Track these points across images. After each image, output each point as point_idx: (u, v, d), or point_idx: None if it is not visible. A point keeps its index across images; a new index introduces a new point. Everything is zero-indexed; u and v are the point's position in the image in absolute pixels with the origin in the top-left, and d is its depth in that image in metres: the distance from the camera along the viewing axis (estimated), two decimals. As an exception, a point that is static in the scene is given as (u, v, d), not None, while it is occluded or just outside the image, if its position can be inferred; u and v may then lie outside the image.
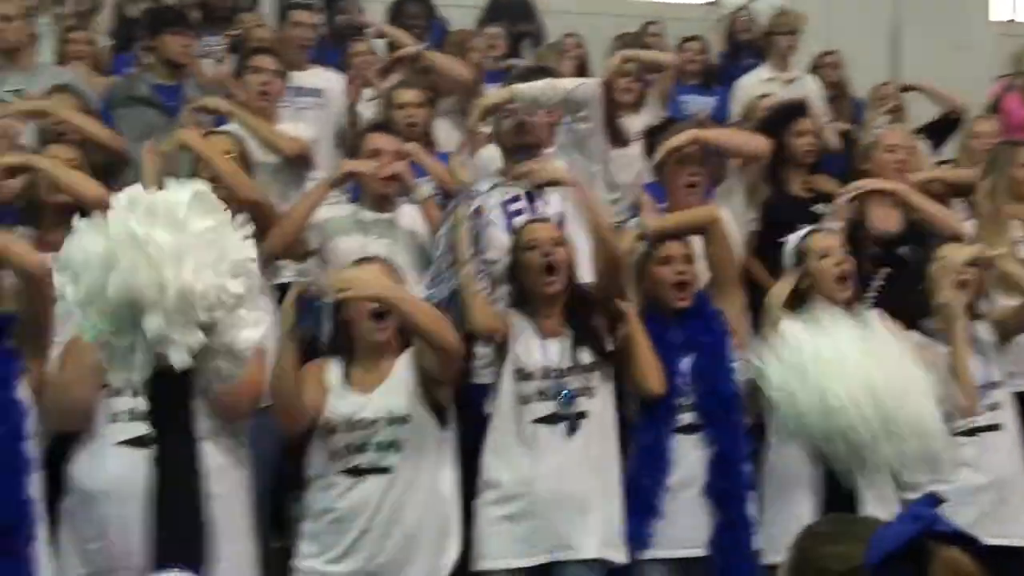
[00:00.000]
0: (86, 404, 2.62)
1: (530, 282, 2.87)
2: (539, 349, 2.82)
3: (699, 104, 5.07)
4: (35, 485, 2.59)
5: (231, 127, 3.64)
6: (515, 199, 3.23)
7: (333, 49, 4.89)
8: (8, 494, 2.55)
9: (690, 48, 5.41)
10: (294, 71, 4.16)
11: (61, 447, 2.68)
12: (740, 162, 3.74)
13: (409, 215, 3.34)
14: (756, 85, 4.91)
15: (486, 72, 4.70)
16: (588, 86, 3.46)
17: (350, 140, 3.98)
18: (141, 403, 2.52)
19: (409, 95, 3.89)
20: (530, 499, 2.74)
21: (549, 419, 2.78)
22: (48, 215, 3.13)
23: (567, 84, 3.45)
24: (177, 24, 4.11)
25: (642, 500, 2.84)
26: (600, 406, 2.83)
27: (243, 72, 3.92)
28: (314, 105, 4.27)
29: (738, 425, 2.93)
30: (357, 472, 2.62)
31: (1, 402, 2.59)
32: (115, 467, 2.56)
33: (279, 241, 3.14)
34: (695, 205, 3.34)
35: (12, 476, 2.56)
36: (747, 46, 5.70)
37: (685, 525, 2.85)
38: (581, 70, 5.16)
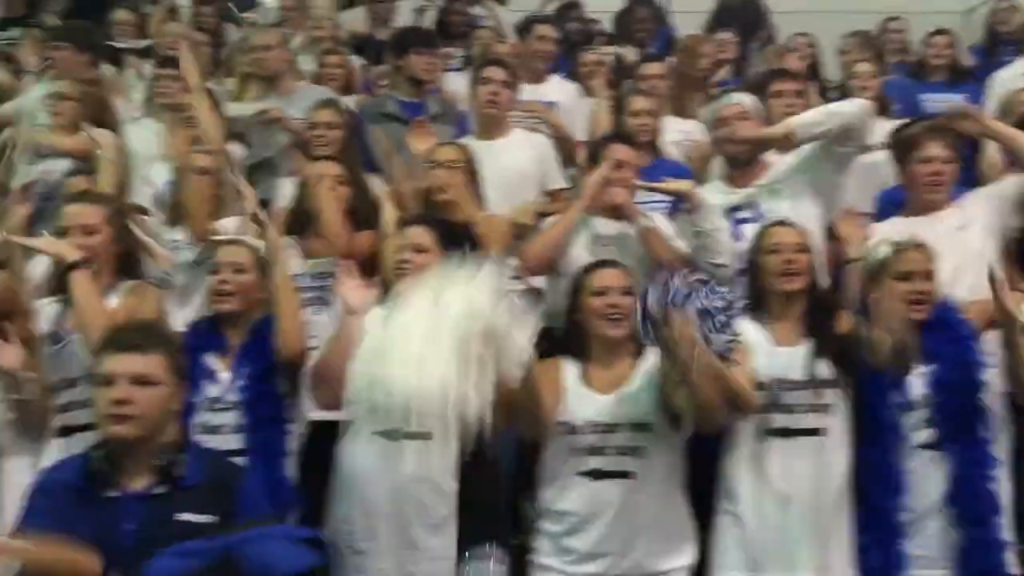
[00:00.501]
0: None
1: (768, 284, 2.82)
2: (772, 358, 2.75)
3: (944, 101, 4.78)
4: (291, 467, 2.84)
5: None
6: (740, 207, 3.19)
7: (563, 58, 5.01)
8: (272, 475, 2.78)
9: (936, 43, 5.12)
10: (535, 84, 4.30)
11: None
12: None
13: None
14: (1015, 79, 4.56)
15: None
16: (864, 110, 3.33)
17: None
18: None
19: (643, 103, 3.92)
20: (761, 515, 2.70)
21: (781, 432, 2.72)
22: (314, 222, 3.36)
23: (844, 111, 3.33)
24: (422, 44, 4.35)
25: (879, 523, 2.72)
26: (836, 423, 2.73)
27: (475, 84, 4.05)
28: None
29: (981, 440, 2.76)
30: (596, 475, 2.65)
31: (265, 393, 2.82)
32: (367, 454, 2.69)
33: (536, 260, 3.21)
34: (938, 203, 3.18)
35: (275, 459, 2.81)
36: (1007, 40, 5.33)
37: (929, 547, 2.72)
38: (813, 71, 5.01)
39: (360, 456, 2.69)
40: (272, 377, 2.83)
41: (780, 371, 2.74)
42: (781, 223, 2.97)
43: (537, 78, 4.47)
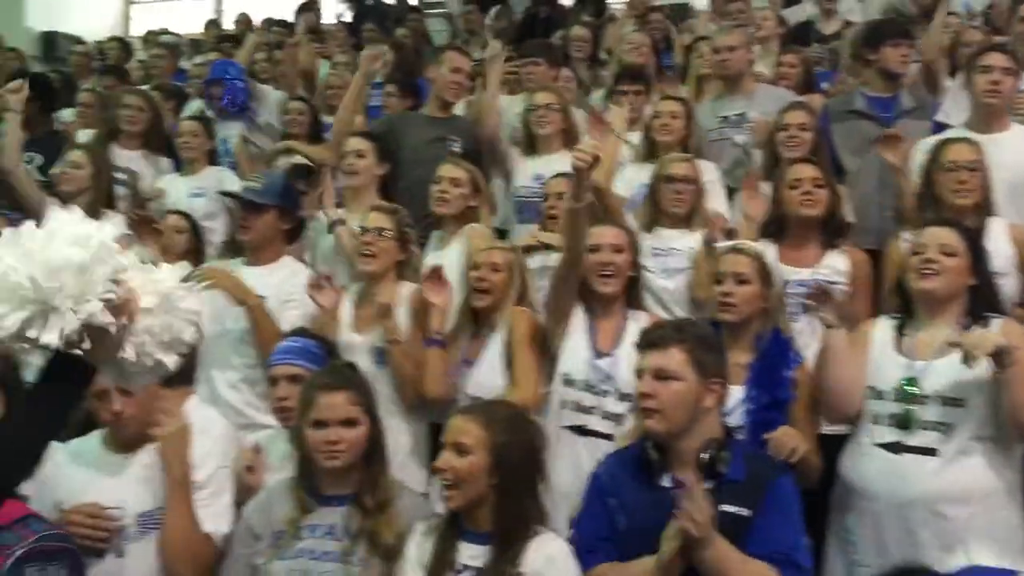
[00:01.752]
0: (855, 405, 2.68)
1: None
2: None
3: None
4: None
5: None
6: None
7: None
8: None
9: None
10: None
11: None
12: None
13: None
14: None
15: None
16: None
17: None
18: (897, 408, 2.57)
19: None
20: None
21: None
22: (792, 229, 3.34)
23: None
24: (896, 35, 4.11)
25: None
26: None
27: (972, 73, 3.69)
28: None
29: None
30: None
31: (772, 422, 2.63)
32: (870, 467, 2.61)
33: None
34: None
35: None
36: None
37: None
38: None
39: (861, 467, 2.61)
40: (781, 406, 2.70)
41: None
42: None
43: None
